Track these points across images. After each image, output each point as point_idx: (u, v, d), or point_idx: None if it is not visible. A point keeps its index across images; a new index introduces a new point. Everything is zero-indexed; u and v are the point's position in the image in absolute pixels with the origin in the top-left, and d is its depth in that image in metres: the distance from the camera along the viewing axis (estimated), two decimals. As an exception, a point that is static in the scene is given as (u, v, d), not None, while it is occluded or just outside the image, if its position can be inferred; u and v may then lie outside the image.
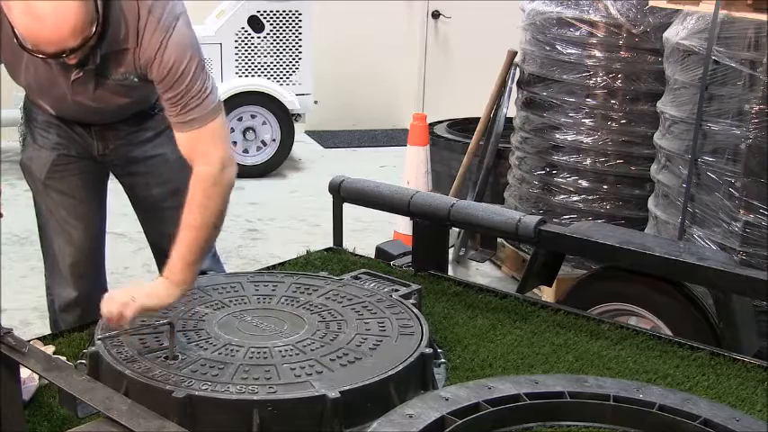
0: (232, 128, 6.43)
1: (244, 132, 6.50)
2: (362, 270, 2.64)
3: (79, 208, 2.59)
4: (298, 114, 6.70)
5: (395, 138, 7.97)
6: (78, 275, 2.60)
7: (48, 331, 2.59)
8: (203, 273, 2.73)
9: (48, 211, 2.57)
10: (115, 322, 1.99)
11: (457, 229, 4.12)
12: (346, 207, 3.13)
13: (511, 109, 5.00)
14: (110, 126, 2.52)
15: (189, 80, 2.14)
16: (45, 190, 2.55)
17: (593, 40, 4.23)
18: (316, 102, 7.02)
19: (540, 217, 2.78)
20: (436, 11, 8.16)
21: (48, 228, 2.61)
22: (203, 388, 1.90)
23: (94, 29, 1.98)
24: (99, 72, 2.21)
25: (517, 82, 4.80)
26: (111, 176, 2.73)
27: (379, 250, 3.26)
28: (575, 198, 4.36)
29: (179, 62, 2.14)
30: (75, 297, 2.61)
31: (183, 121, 2.16)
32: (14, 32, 1.97)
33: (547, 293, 4.03)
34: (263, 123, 6.55)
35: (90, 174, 2.62)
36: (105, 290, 2.79)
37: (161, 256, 2.76)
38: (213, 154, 2.13)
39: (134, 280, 2.42)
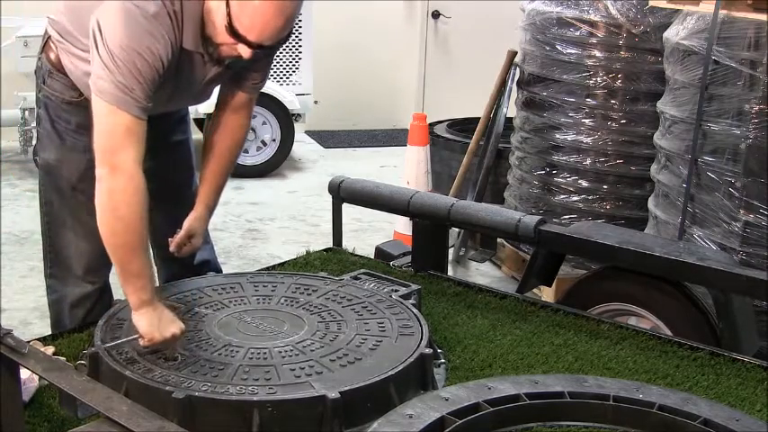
0: (232, 128, 6.42)
1: (244, 132, 6.49)
2: (362, 270, 2.64)
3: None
4: (298, 114, 6.70)
5: (395, 138, 7.97)
6: (93, 273, 2.61)
7: (48, 332, 2.59)
8: (204, 264, 2.74)
9: (69, 213, 2.56)
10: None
11: (457, 229, 4.12)
12: (346, 207, 3.13)
13: (511, 109, 5.00)
14: (160, 116, 2.52)
15: None
16: (73, 193, 2.54)
17: (593, 40, 4.23)
18: (316, 102, 7.02)
19: (540, 217, 2.78)
20: (436, 11, 8.16)
21: (64, 228, 2.59)
22: (203, 389, 1.90)
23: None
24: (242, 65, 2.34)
25: (517, 82, 4.80)
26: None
27: (378, 250, 3.26)
28: (575, 198, 4.36)
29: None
30: (88, 292, 2.62)
31: (263, 82, 2.51)
32: (229, 26, 2.04)
33: (547, 293, 4.03)
34: (263, 123, 6.55)
35: None
36: (109, 283, 2.78)
37: (164, 249, 2.77)
38: (250, 113, 2.57)
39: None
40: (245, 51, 2.08)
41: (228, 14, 2.03)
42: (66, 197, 2.55)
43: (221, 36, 2.09)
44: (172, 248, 2.41)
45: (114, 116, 2.07)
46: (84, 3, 2.22)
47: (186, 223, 2.42)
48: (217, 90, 2.50)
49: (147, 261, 2.09)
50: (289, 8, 2.05)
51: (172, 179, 2.67)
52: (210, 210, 2.49)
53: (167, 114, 2.57)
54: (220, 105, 2.50)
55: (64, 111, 2.48)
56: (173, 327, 2.04)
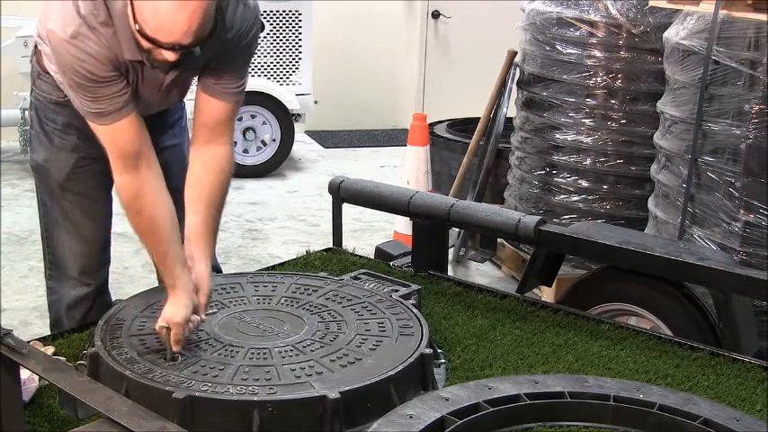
0: (232, 128, 6.43)
1: (244, 132, 6.50)
2: (362, 270, 2.64)
3: (94, 208, 2.60)
4: (298, 114, 6.69)
5: (395, 138, 7.96)
6: (89, 273, 2.62)
7: (48, 332, 2.59)
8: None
9: (61, 213, 2.57)
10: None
11: (457, 229, 4.12)
12: (346, 207, 3.12)
13: (511, 109, 5.00)
14: (149, 121, 2.53)
15: (257, 45, 2.31)
16: (62, 192, 2.55)
17: (593, 40, 4.23)
18: (316, 102, 7.02)
19: (539, 217, 2.78)
20: (436, 11, 8.16)
21: (57, 229, 2.60)
22: (203, 389, 1.90)
23: (212, 26, 2.03)
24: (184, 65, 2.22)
25: (517, 82, 4.80)
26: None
27: (378, 250, 3.26)
28: (575, 198, 4.36)
29: (258, 27, 2.28)
30: (84, 294, 2.62)
31: (240, 88, 2.30)
32: (136, 29, 1.97)
33: (547, 293, 4.03)
34: (263, 123, 6.55)
35: (106, 174, 2.63)
36: (107, 285, 2.79)
37: None
38: (231, 135, 2.32)
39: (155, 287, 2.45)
40: (168, 54, 1.99)
41: (135, 19, 1.97)
42: (57, 197, 2.56)
43: (142, 41, 2.01)
44: (201, 317, 2.16)
45: (96, 127, 2.16)
46: (48, 4, 2.22)
47: (202, 285, 2.17)
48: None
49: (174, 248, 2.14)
50: (189, 6, 1.91)
51: (167, 183, 2.67)
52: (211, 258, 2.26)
53: (157, 119, 2.56)
54: (197, 128, 2.31)
55: (51, 111, 2.50)
56: (180, 312, 2.05)
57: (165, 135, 2.64)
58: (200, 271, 2.17)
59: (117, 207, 2.75)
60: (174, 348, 2.03)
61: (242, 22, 2.21)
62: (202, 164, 2.27)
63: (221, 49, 2.19)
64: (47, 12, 2.18)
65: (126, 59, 2.12)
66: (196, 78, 2.32)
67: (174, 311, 2.05)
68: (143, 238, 2.18)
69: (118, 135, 2.14)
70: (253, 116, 6.50)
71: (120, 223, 2.51)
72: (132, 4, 1.96)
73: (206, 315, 2.18)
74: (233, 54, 2.25)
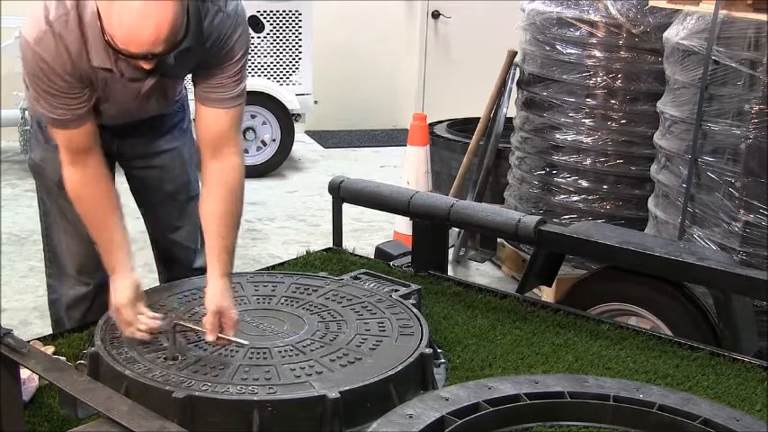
0: (232, 128, 6.43)
1: (244, 132, 6.50)
2: (362, 270, 2.64)
3: None
4: (298, 114, 6.69)
5: (395, 138, 7.96)
6: (87, 273, 2.62)
7: (48, 331, 2.59)
8: (204, 272, 2.74)
9: (58, 212, 2.58)
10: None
11: (457, 229, 4.12)
12: (346, 207, 3.12)
13: (511, 109, 5.00)
14: (130, 124, 2.53)
15: (246, 51, 2.27)
16: (59, 191, 2.55)
17: (593, 40, 4.23)
18: (316, 102, 7.02)
19: (539, 217, 2.78)
20: (436, 11, 8.16)
21: (56, 228, 2.61)
22: (203, 388, 1.90)
23: (183, 32, 1.99)
24: (166, 74, 2.22)
25: (517, 82, 4.80)
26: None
27: (378, 250, 3.26)
28: (575, 198, 4.36)
29: (245, 34, 2.28)
30: (83, 293, 2.63)
31: (234, 95, 2.27)
32: (107, 40, 1.95)
33: (547, 293, 4.03)
34: (263, 123, 6.55)
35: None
36: (107, 284, 2.79)
37: (164, 251, 2.77)
38: (239, 142, 2.30)
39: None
40: (143, 63, 1.98)
41: (102, 30, 1.96)
42: (54, 196, 2.56)
43: (117, 53, 1.98)
44: (210, 338, 2.07)
45: (51, 129, 2.23)
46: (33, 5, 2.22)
47: (208, 305, 2.10)
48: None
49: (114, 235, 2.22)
50: (153, 13, 1.87)
51: (164, 186, 2.67)
52: (231, 270, 2.20)
53: (154, 123, 2.56)
54: (199, 143, 2.30)
55: None
56: (120, 296, 2.11)
57: (163, 138, 2.63)
58: (209, 289, 2.12)
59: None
60: (125, 332, 2.09)
61: (219, 30, 2.18)
62: (210, 179, 2.24)
63: (203, 57, 2.18)
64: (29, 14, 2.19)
65: (94, 67, 2.10)
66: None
67: (115, 296, 2.12)
68: (88, 227, 2.26)
69: (72, 138, 2.20)
70: (253, 116, 6.51)
71: (119, 223, 2.51)
72: (101, 18, 1.94)
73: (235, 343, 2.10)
74: (217, 61, 2.22)
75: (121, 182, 2.75)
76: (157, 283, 2.72)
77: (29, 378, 2.02)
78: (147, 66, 1.98)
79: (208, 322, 2.06)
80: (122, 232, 2.23)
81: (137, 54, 1.93)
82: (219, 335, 2.06)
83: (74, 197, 2.26)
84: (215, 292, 2.10)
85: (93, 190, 2.24)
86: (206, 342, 2.07)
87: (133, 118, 2.48)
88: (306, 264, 2.97)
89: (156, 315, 2.12)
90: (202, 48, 2.14)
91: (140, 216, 2.77)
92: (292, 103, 6.52)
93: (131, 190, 2.71)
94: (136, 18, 1.87)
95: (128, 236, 2.25)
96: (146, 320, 2.10)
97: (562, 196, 4.39)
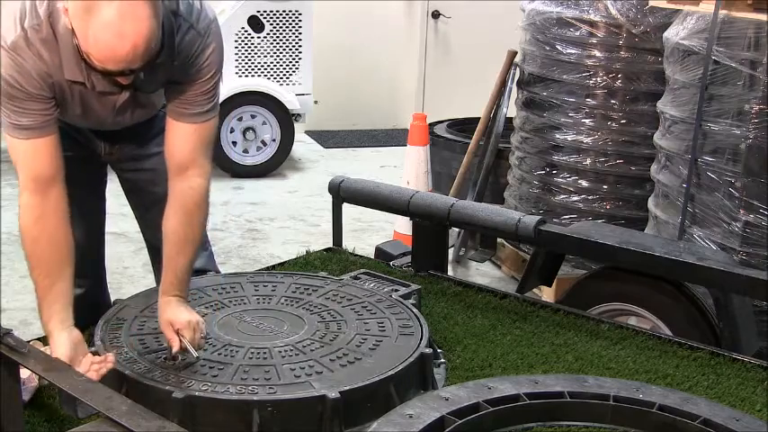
0: (232, 128, 6.43)
1: (244, 132, 6.50)
2: (362, 270, 2.64)
3: (81, 208, 2.60)
4: (298, 114, 6.69)
5: (395, 138, 7.96)
6: (80, 275, 2.60)
7: (48, 331, 2.59)
8: (202, 273, 2.73)
9: None
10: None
11: (457, 229, 4.12)
12: (346, 207, 3.12)
13: (511, 109, 5.00)
14: (138, 129, 2.53)
15: (218, 69, 2.20)
16: None
17: (593, 40, 4.23)
18: (316, 102, 7.02)
19: (539, 217, 2.78)
20: (436, 11, 8.16)
21: None
22: (203, 388, 1.90)
23: (159, 48, 1.96)
24: (139, 88, 2.19)
25: (517, 82, 4.80)
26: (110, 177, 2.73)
27: (378, 250, 3.26)
28: (575, 198, 4.36)
29: (216, 52, 2.20)
30: (77, 295, 2.61)
31: (205, 110, 2.19)
32: (81, 56, 1.93)
33: (547, 293, 4.03)
34: (263, 123, 6.55)
35: (92, 173, 2.64)
36: (105, 287, 2.79)
37: (158, 252, 2.76)
38: (206, 165, 2.19)
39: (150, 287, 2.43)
40: (121, 79, 1.96)
41: (78, 47, 1.92)
42: None
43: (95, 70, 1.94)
44: (175, 349, 2.04)
45: (12, 142, 2.08)
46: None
47: (159, 322, 2.09)
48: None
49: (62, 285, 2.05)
50: (129, 30, 1.84)
51: (156, 189, 2.66)
52: (180, 291, 2.14)
53: (141, 128, 2.54)
54: (168, 159, 2.23)
55: None
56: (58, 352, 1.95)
57: (152, 143, 2.61)
58: (158, 305, 2.11)
59: (111, 208, 2.77)
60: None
61: (189, 47, 2.14)
62: (171, 199, 2.19)
63: (173, 73, 2.14)
64: None
65: (65, 79, 2.08)
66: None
67: (54, 350, 1.96)
68: (32, 266, 2.09)
69: (35, 155, 2.07)
70: (253, 116, 6.50)
71: (119, 223, 2.51)
72: (76, 35, 1.90)
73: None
74: (188, 78, 2.17)
75: (115, 184, 2.77)
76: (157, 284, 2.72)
77: (29, 378, 2.02)
78: (124, 81, 1.96)
79: (166, 337, 2.05)
80: (70, 282, 2.07)
81: (114, 71, 1.91)
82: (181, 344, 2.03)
83: (29, 234, 2.10)
84: (161, 308, 2.09)
85: (50, 227, 2.08)
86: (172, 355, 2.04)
87: (113, 127, 2.47)
88: (306, 264, 2.97)
89: (97, 358, 1.97)
90: (171, 64, 2.11)
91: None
92: (292, 103, 6.52)
93: (124, 192, 2.71)
94: (112, 37, 1.84)
95: (72, 288, 2.08)
96: (92, 369, 1.95)
97: (562, 196, 4.39)
